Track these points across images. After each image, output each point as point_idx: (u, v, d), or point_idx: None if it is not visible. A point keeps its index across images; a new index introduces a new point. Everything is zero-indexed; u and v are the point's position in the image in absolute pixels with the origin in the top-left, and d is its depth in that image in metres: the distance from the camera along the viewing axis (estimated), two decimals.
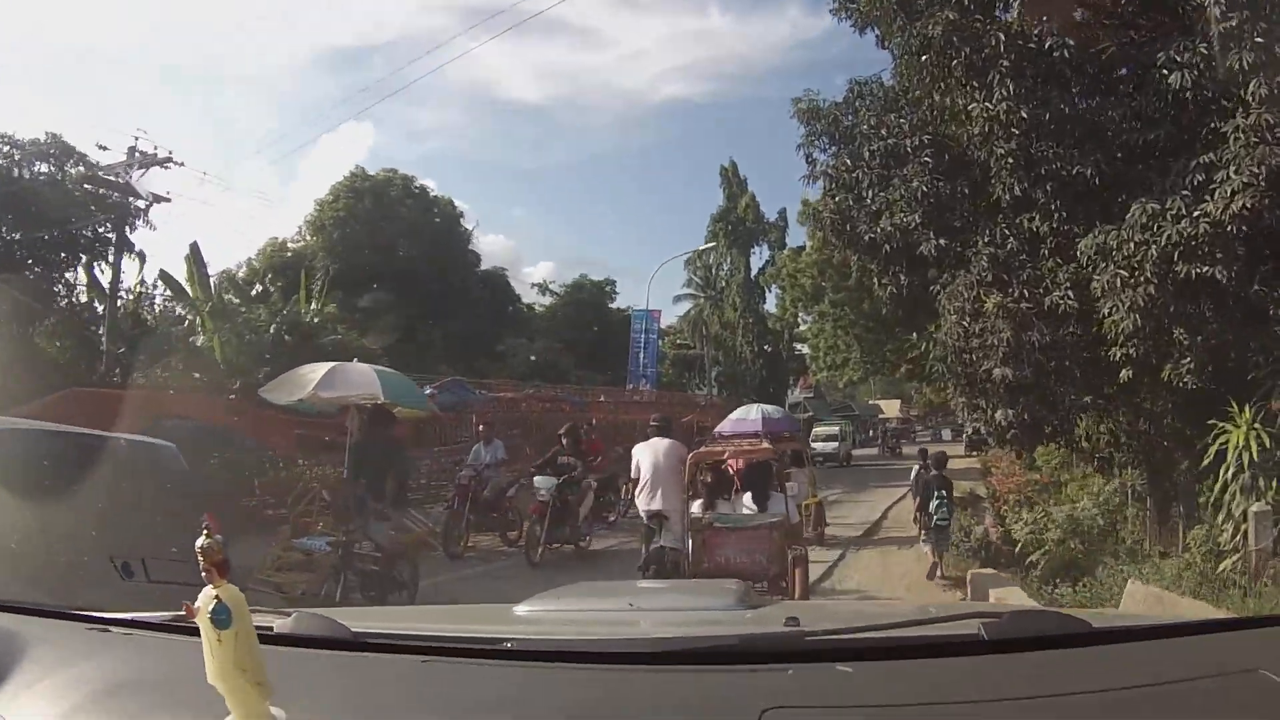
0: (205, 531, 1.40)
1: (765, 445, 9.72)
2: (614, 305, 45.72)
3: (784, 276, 37.25)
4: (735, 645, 1.70)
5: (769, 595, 7.67)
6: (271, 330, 21.78)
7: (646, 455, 9.63)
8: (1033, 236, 10.89)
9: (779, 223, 48.38)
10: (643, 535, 9.50)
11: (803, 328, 44.65)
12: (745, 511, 8.58)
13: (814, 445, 30.61)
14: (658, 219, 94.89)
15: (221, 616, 1.36)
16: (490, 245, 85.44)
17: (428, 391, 15.82)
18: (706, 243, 48.88)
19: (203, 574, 1.39)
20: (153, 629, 1.92)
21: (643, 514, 9.51)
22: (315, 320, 23.45)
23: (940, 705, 1.44)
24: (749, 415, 14.67)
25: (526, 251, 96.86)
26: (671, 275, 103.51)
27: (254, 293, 29.87)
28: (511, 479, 14.70)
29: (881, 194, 12.12)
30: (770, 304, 49.20)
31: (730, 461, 9.29)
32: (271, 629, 1.77)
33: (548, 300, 46.01)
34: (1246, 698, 1.43)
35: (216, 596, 1.37)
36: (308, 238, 37.62)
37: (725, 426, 14.55)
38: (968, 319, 11.59)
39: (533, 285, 47.39)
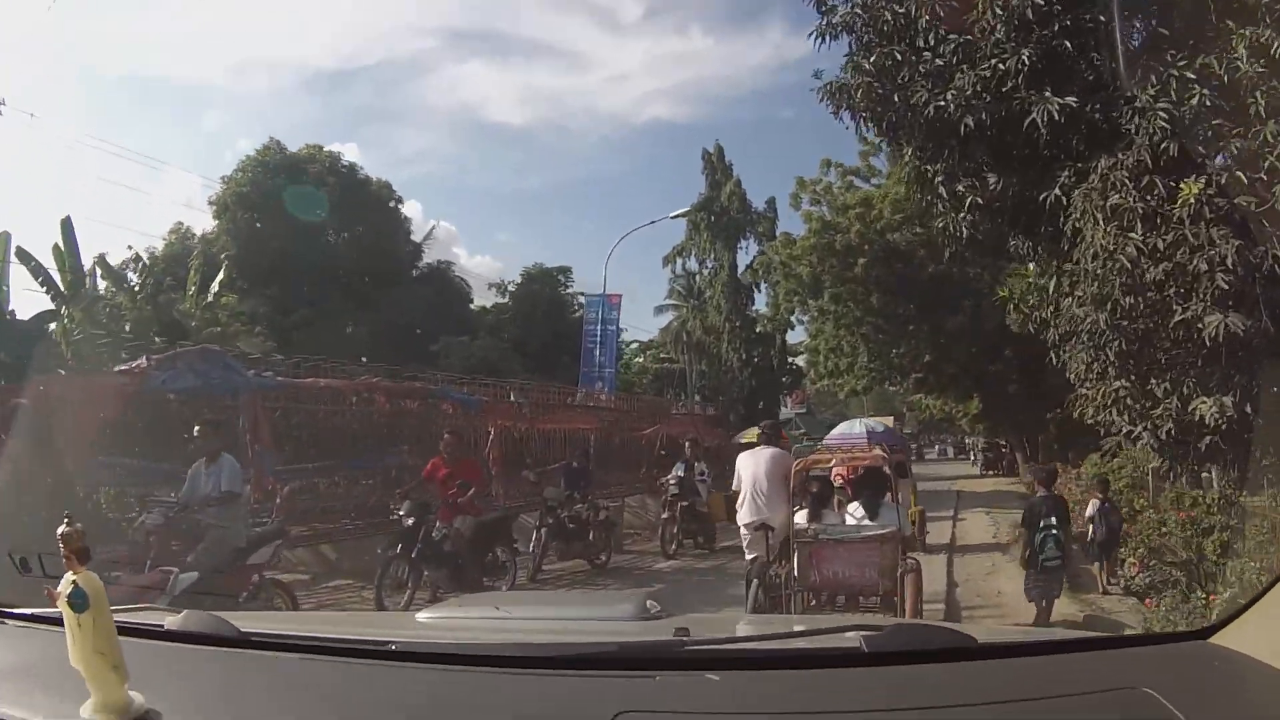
0: (66, 520, 1.47)
1: (876, 451, 9.37)
2: (569, 291, 40.71)
3: (775, 268, 31.02)
4: (611, 651, 1.71)
5: (878, 612, 7.48)
6: (130, 322, 19.93)
7: (748, 465, 9.20)
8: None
9: (768, 213, 42.37)
10: (747, 549, 9.12)
11: (798, 330, 39.05)
12: (853, 522, 8.17)
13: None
14: (640, 242, 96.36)
15: (78, 601, 1.40)
16: (477, 265, 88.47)
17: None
18: (686, 238, 43.03)
19: (62, 560, 1.45)
20: (44, 622, 1.94)
21: (743, 527, 9.12)
22: (197, 312, 21.51)
23: (809, 714, 1.44)
24: (853, 430, 14.90)
25: (510, 271, 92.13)
26: (640, 267, 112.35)
27: (166, 282, 26.70)
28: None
29: (954, 36, 8.62)
30: (760, 304, 42.96)
31: (835, 471, 9.22)
32: (162, 625, 1.89)
33: (505, 300, 40.95)
34: (1128, 714, 1.42)
35: (74, 582, 1.42)
36: (212, 220, 33.93)
37: (830, 440, 13.95)
38: (1139, 227, 7.22)
39: (490, 285, 41.51)
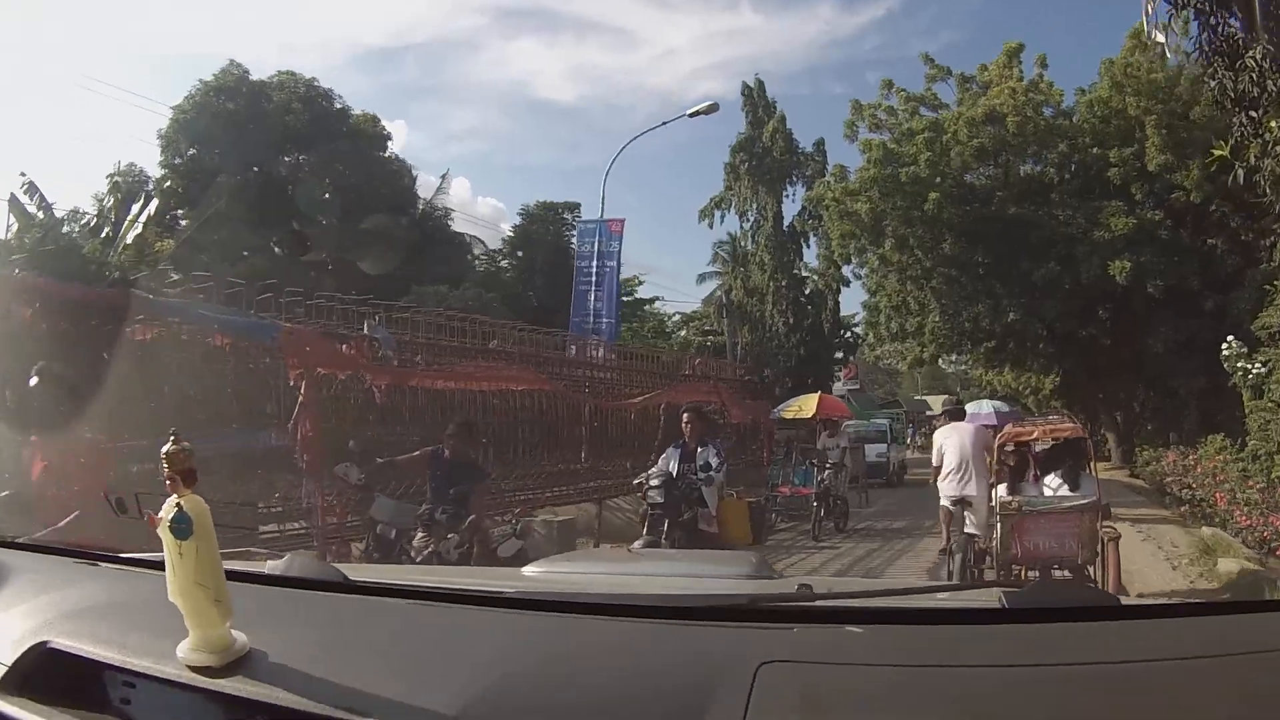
0: (173, 438, 1.39)
1: (1074, 425, 8.84)
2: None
3: (828, 206, 26.00)
4: (740, 603, 1.65)
5: (1075, 582, 7.41)
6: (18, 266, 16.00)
7: (952, 439, 9.44)
8: None
9: (816, 156, 36.74)
10: (943, 521, 9.44)
11: (853, 288, 34.23)
12: (1051, 494, 8.04)
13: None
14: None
15: (182, 526, 1.35)
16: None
17: None
18: (726, 186, 37.92)
19: (165, 482, 1.38)
20: (143, 565, 1.94)
21: (945, 499, 9.28)
22: (116, 256, 17.44)
23: (953, 669, 1.39)
24: (981, 410, 16.45)
25: None
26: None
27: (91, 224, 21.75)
28: None
29: None
30: (811, 260, 37.58)
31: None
32: (264, 570, 1.89)
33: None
34: None
35: (179, 505, 1.36)
36: (160, 154, 29.09)
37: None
38: None
39: (503, 241, 36.28)
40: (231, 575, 1.48)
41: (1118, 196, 22.09)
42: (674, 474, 8.95)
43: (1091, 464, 8.41)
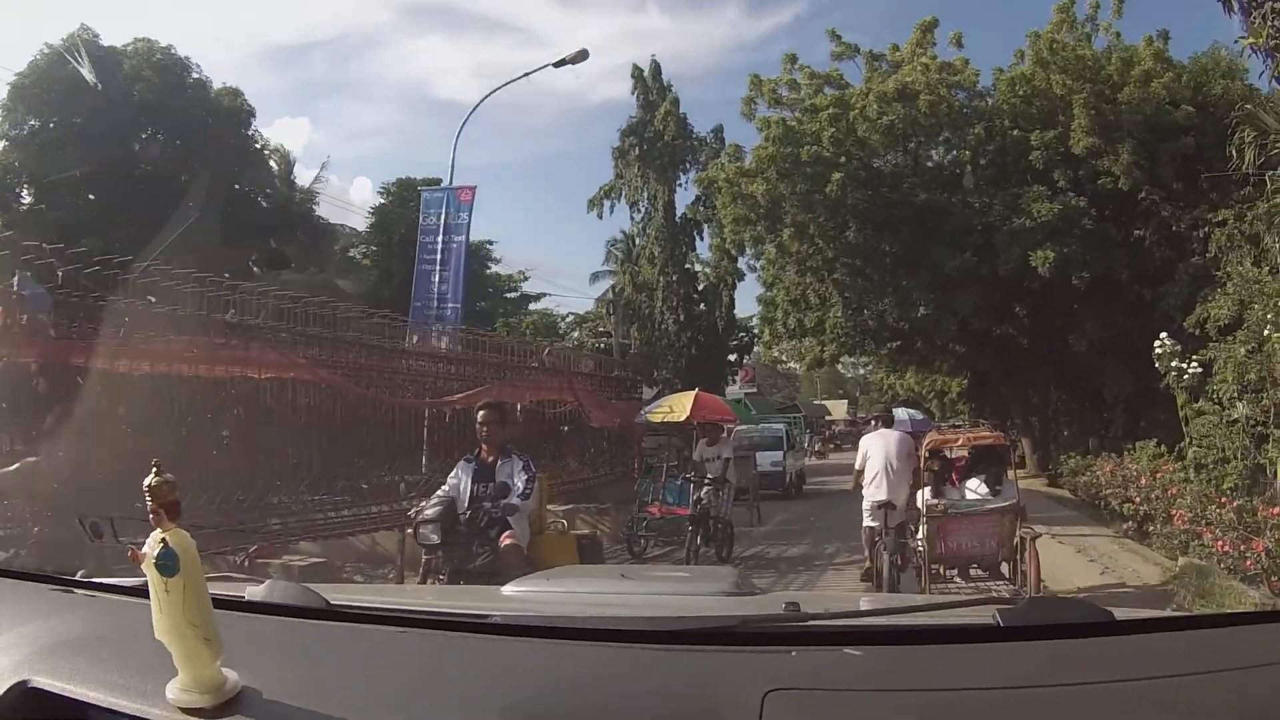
0: (155, 470, 1.35)
1: (994, 432, 9.97)
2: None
3: (720, 188, 23.28)
4: (734, 626, 1.68)
5: (993, 581, 8.33)
6: None
7: (878, 445, 9.60)
8: None
9: (713, 143, 34.11)
10: (865, 524, 9.45)
11: (749, 281, 31.80)
12: (974, 497, 8.62)
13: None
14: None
15: (168, 562, 1.30)
16: None
17: None
18: (616, 174, 35.17)
19: (150, 516, 1.33)
20: (121, 592, 1.88)
21: (867, 503, 9.34)
22: None
23: (955, 691, 1.38)
24: (902, 417, 14.39)
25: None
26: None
27: None
28: None
29: None
30: (705, 251, 34.46)
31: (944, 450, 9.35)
32: (243, 596, 1.80)
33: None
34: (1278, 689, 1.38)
35: (164, 541, 1.31)
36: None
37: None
38: None
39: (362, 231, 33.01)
40: (213, 601, 1.44)
41: (1040, 182, 20.31)
42: (465, 499, 6.16)
43: (1012, 469, 9.19)
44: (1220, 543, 9.26)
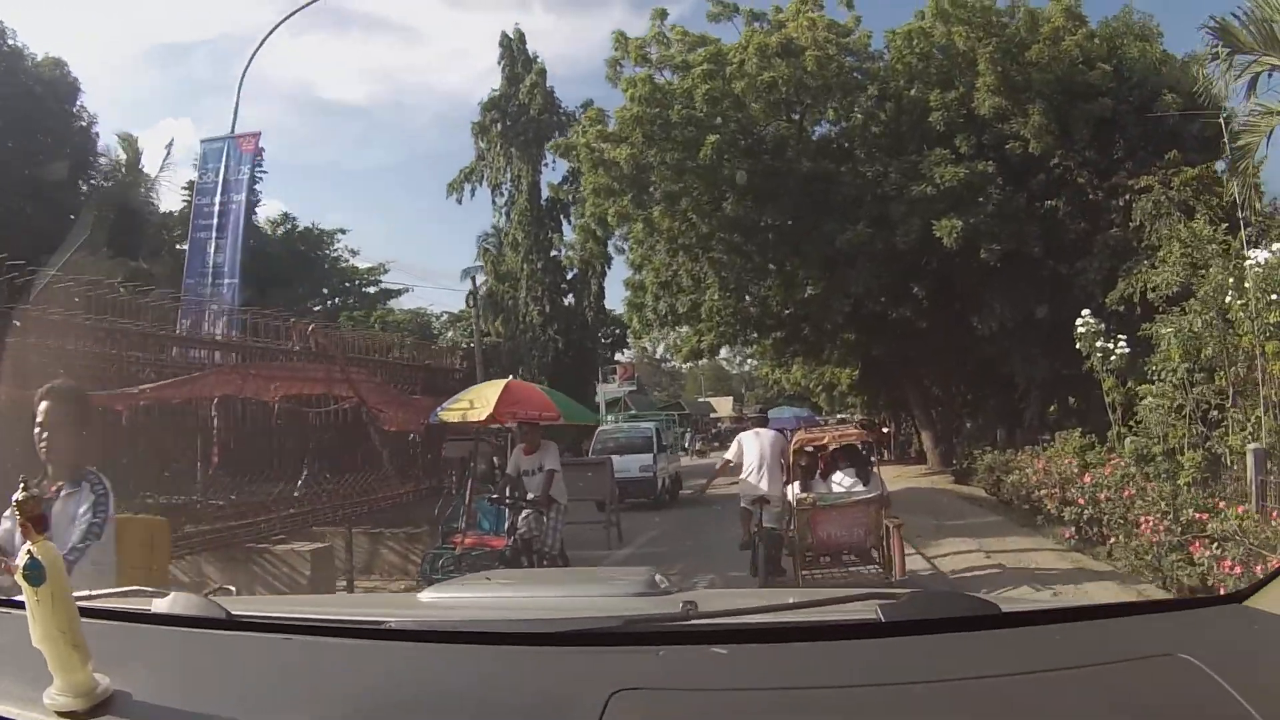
0: (22, 485, 1.36)
1: (859, 430, 10.78)
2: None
3: (580, 154, 20.50)
4: (613, 626, 1.63)
5: (864, 566, 9.13)
6: None
7: (753, 443, 9.82)
8: None
9: (582, 118, 30.79)
10: (742, 517, 9.66)
11: (617, 265, 29.23)
12: (841, 490, 9.29)
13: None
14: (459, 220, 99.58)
15: (35, 572, 1.30)
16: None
17: None
18: (478, 155, 32.10)
19: (18, 530, 1.39)
20: (12, 606, 1.80)
21: (744, 499, 9.64)
22: None
23: (822, 688, 1.36)
24: (783, 414, 17.81)
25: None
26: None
27: None
28: None
29: None
30: (570, 234, 31.68)
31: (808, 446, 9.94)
32: (149, 609, 1.80)
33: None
34: (1164, 681, 1.35)
35: (30, 553, 1.31)
36: None
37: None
38: None
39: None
40: (112, 615, 1.62)
41: (941, 146, 18.35)
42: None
43: (877, 462, 10.06)
44: (1225, 563, 7.56)
